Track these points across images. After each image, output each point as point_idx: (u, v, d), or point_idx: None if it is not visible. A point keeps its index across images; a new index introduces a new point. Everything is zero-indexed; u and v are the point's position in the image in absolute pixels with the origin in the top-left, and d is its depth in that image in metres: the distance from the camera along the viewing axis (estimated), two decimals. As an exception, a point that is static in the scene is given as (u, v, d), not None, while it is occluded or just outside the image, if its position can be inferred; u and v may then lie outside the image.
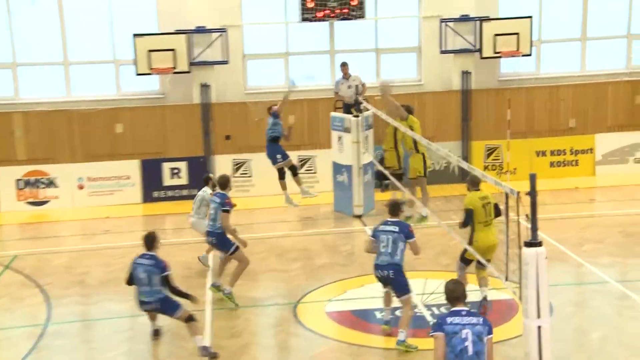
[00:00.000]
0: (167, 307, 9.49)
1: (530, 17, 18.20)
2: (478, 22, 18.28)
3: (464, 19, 18.46)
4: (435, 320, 6.53)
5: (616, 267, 12.24)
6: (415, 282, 11.47)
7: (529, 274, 6.99)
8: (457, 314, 6.40)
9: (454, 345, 6.27)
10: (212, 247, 11.81)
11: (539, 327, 6.94)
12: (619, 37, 19.41)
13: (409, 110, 15.24)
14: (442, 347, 6.29)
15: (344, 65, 16.85)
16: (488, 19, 18.27)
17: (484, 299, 10.22)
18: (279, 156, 15.19)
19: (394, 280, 9.52)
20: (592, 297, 11.05)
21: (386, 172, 16.23)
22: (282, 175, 15.35)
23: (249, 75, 18.92)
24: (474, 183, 10.31)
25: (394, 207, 9.89)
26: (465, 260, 10.37)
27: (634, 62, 19.43)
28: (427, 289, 11.34)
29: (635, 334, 9.52)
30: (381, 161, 17.58)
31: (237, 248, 11.17)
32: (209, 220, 11.48)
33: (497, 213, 10.22)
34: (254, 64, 18.97)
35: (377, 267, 9.58)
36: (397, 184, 14.81)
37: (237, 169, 18.45)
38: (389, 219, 9.75)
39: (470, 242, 10.07)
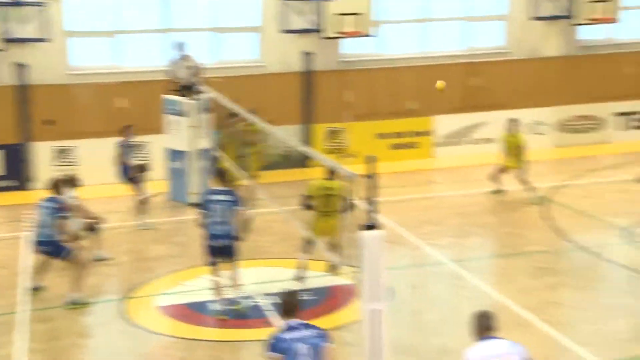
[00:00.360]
0: None
1: (368, -4, 18.54)
2: (321, 1, 18.39)
3: (306, -4, 18.52)
4: (269, 340, 6.35)
5: (453, 248, 12.73)
6: (253, 271, 11.45)
7: (367, 257, 7.05)
8: (293, 329, 6.38)
9: None
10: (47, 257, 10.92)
11: (376, 311, 7.01)
12: (457, 19, 20.12)
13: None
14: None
15: (178, 45, 16.35)
16: (328, -2, 18.42)
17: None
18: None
19: (231, 247, 9.80)
20: (430, 279, 11.43)
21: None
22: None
23: (73, 54, 18.05)
24: (330, 171, 10.46)
25: (222, 174, 10.16)
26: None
27: (470, 44, 20.25)
28: (265, 277, 11.28)
29: (467, 312, 9.89)
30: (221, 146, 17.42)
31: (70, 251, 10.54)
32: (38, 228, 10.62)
33: (345, 207, 10.17)
34: (77, 42, 18.11)
35: (213, 237, 9.70)
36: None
37: (61, 156, 17.57)
38: (218, 188, 9.86)
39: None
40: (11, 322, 10.06)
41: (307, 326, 6.47)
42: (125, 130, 14.54)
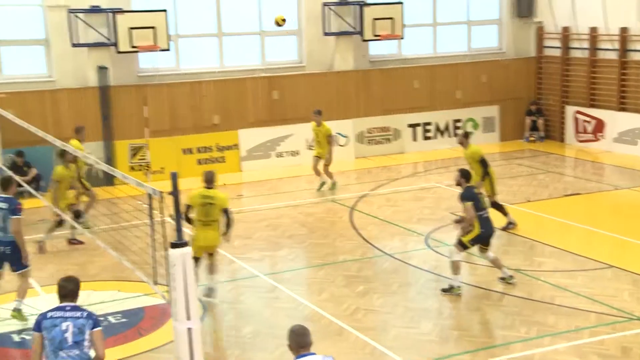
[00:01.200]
0: None
1: (165, 10, 18.43)
2: (111, 14, 18.06)
3: (96, 10, 18.09)
4: (37, 318, 6.82)
5: (265, 261, 12.92)
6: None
7: (176, 275, 6.99)
8: (61, 309, 6.83)
9: (54, 337, 6.68)
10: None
11: (189, 329, 6.97)
12: (253, 33, 20.43)
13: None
14: (38, 345, 6.74)
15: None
16: (121, 11, 18.12)
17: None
18: None
19: (11, 255, 10.07)
20: (244, 293, 11.49)
21: (20, 180, 15.22)
22: None
23: None
24: (208, 180, 10.85)
25: (5, 182, 10.25)
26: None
27: (268, 58, 20.60)
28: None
29: (283, 324, 10.09)
30: (13, 166, 16.57)
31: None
32: None
33: (227, 217, 10.78)
34: None
35: None
36: None
37: None
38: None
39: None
40: None
41: (77, 309, 6.87)
42: None
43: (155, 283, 8.14)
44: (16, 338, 9.84)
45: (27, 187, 14.82)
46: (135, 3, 18.83)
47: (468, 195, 10.99)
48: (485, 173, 13.53)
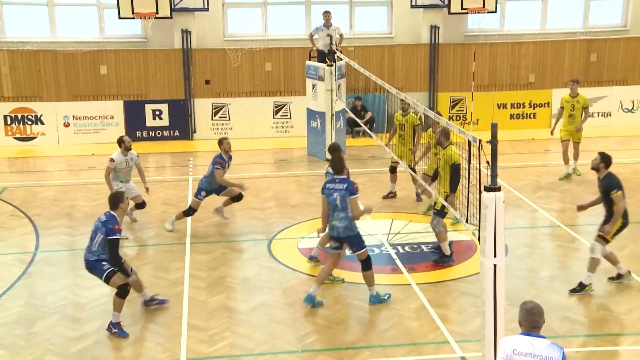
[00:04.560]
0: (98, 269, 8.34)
1: (496, -26, 18.07)
2: (444, -22, 18.14)
3: (434, -26, 18.28)
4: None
5: (566, 213, 12.42)
6: (382, 223, 11.67)
7: (488, 216, 7.00)
8: (332, 181, 8.83)
9: (330, 203, 8.64)
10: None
11: (495, 266, 7.01)
12: (578, -2, 19.37)
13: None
14: (325, 205, 8.75)
15: (326, 14, 16.40)
16: (456, -25, 18.09)
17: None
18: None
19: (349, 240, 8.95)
20: (544, 240, 11.25)
21: (358, 120, 16.25)
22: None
23: (229, 23, 18.63)
24: (447, 137, 10.06)
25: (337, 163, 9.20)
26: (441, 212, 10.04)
27: (590, 22, 19.46)
28: (392, 229, 11.47)
29: (579, 272, 9.73)
30: (354, 109, 17.61)
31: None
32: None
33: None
34: (233, 12, 18.66)
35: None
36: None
37: (216, 113, 18.32)
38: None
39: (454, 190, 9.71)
40: (181, 251, 10.70)
41: (343, 180, 8.75)
42: None
43: (467, 221, 8.31)
44: (347, 252, 10.64)
45: (363, 127, 15.77)
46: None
47: (616, 183, 9.07)
48: None
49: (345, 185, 8.75)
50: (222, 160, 11.28)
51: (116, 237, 8.15)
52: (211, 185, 11.42)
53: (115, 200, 8.44)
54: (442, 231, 10.07)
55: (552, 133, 14.19)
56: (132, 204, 11.54)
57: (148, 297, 8.85)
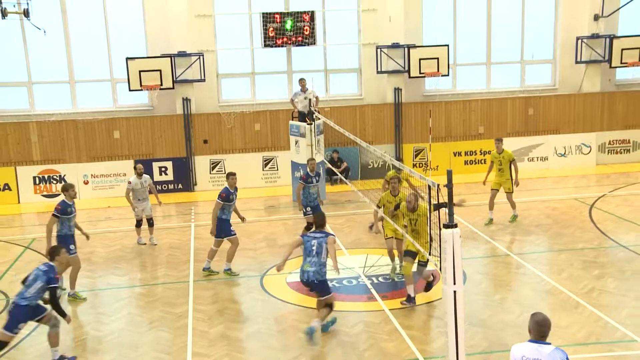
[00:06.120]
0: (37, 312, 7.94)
1: (447, 45, 18.47)
2: (406, 49, 18.48)
3: (395, 46, 18.63)
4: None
5: (514, 244, 12.49)
6: (358, 258, 11.65)
7: (447, 249, 7.05)
8: (314, 232, 8.63)
9: (306, 248, 8.49)
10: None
11: (455, 292, 7.02)
12: (515, 62, 19.83)
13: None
14: (296, 244, 8.66)
15: (301, 80, 16.77)
16: (414, 46, 18.48)
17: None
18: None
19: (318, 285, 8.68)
20: (496, 267, 11.25)
21: (335, 170, 16.33)
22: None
23: (222, 91, 18.80)
24: (417, 199, 9.53)
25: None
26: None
27: (527, 82, 19.89)
28: (367, 262, 11.46)
29: (527, 294, 9.76)
30: (331, 161, 17.71)
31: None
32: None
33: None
34: (226, 81, 18.86)
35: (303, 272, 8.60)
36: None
37: (214, 168, 18.34)
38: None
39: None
40: (185, 289, 10.62)
41: (323, 232, 8.59)
42: None
43: (430, 254, 8.32)
44: (329, 284, 10.57)
45: (340, 175, 15.84)
46: (426, 39, 19.11)
47: None
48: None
49: (324, 235, 8.61)
50: (225, 194, 11.00)
51: (55, 285, 7.77)
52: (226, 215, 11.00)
53: (53, 253, 8.07)
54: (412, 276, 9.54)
55: (484, 183, 13.98)
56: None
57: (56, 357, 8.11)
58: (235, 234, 11.10)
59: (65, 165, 17.69)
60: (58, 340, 8.11)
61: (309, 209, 12.08)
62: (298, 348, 8.37)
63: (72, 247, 10.15)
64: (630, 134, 19.52)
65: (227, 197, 10.99)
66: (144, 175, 12.92)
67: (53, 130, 17.72)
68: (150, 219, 13.10)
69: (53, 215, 9.99)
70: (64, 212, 10.02)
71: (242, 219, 11.57)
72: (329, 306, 8.68)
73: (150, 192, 13.03)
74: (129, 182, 12.71)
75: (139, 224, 13.05)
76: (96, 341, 8.81)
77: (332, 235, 8.75)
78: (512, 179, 13.52)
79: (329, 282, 8.80)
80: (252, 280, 10.96)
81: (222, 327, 9.08)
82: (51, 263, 8.00)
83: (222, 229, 11.02)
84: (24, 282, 7.92)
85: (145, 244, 12.90)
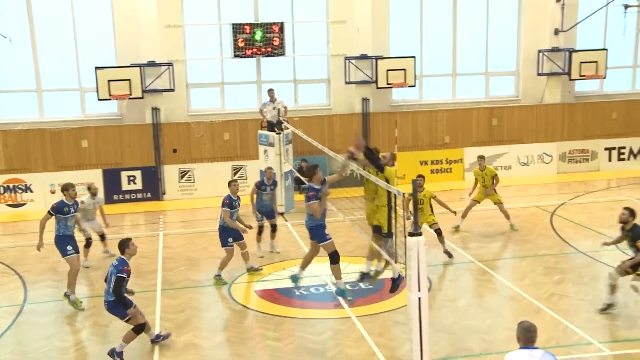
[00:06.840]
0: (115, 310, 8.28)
1: (414, 56, 18.67)
2: (374, 60, 18.63)
3: (363, 57, 18.77)
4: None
5: (480, 250, 12.60)
6: (325, 265, 11.59)
7: (412, 257, 7.11)
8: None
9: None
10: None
11: (419, 298, 7.07)
12: (480, 74, 20.15)
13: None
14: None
15: (270, 91, 16.79)
16: (382, 58, 18.63)
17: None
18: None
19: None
20: (461, 274, 11.36)
21: (304, 179, 16.30)
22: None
23: (192, 101, 18.69)
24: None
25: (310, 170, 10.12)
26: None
27: (491, 93, 20.22)
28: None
29: (491, 301, 9.88)
30: (299, 170, 17.72)
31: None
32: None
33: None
34: (195, 91, 18.75)
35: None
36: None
37: (182, 177, 18.19)
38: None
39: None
40: (153, 297, 10.47)
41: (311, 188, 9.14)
42: None
43: (396, 262, 8.38)
44: (296, 292, 10.58)
45: (308, 185, 15.77)
46: (393, 51, 19.28)
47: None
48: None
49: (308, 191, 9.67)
50: (228, 201, 10.96)
51: (121, 276, 8.11)
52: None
53: (122, 246, 8.36)
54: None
55: (469, 195, 14.04)
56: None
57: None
58: (232, 246, 11.01)
59: (31, 175, 17.35)
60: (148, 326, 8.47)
61: (259, 215, 12.42)
62: (267, 356, 8.32)
63: (69, 248, 10.10)
64: (589, 144, 19.97)
65: (230, 204, 10.96)
66: (98, 195, 12.50)
67: (19, 139, 17.36)
68: (102, 234, 12.57)
69: (48, 212, 10.09)
70: (59, 211, 10.04)
71: (249, 227, 11.34)
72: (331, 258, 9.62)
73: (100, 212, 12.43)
74: (82, 202, 11.82)
75: (88, 243, 12.28)
76: (62, 352, 8.63)
77: (310, 198, 9.71)
78: (494, 189, 13.65)
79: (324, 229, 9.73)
80: (220, 289, 10.86)
81: (190, 336, 8.98)
82: (122, 257, 8.24)
83: (224, 237, 10.99)
84: (105, 280, 8.33)
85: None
